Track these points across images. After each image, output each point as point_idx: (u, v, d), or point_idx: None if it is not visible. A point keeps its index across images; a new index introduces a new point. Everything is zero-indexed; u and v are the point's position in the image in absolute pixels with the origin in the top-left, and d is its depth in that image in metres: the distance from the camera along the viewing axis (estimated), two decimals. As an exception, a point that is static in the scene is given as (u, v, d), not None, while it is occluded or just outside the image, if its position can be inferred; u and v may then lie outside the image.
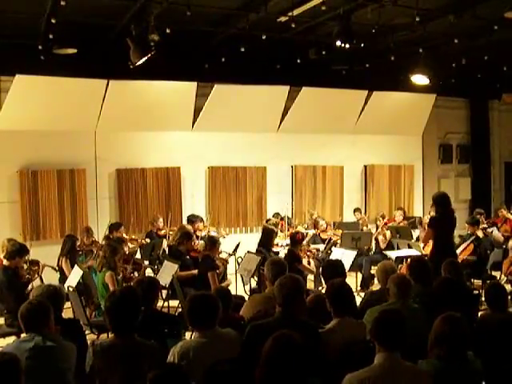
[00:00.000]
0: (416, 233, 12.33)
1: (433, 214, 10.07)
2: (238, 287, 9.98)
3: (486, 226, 11.35)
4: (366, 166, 15.05)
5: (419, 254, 9.57)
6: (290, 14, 9.24)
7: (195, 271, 9.02)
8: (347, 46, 8.95)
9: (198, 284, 8.39)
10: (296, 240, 9.60)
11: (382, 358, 3.89)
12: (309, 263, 10.41)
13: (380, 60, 11.46)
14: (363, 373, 3.83)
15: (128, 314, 4.40)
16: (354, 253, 9.76)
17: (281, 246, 11.18)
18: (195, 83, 12.09)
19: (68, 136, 11.81)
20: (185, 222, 12.11)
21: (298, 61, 11.52)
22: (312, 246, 11.60)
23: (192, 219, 11.82)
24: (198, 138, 12.99)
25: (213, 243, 8.94)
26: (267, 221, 12.42)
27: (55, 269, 9.54)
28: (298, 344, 3.71)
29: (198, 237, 11.15)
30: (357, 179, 15.05)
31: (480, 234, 10.34)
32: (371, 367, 3.88)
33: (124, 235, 10.85)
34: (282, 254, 10.43)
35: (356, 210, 13.84)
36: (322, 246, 11.60)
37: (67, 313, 6.09)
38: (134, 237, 11.39)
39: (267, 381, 3.65)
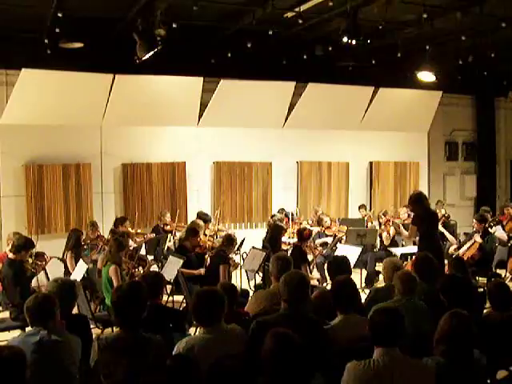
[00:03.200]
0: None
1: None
2: (242, 283, 9.99)
3: (486, 225, 11.23)
4: (371, 163, 15.04)
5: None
6: (296, 9, 9.25)
7: (197, 271, 9.00)
8: (354, 42, 8.95)
9: (210, 277, 8.36)
10: (304, 236, 9.61)
11: (379, 354, 3.90)
12: (314, 260, 10.43)
13: (386, 56, 11.44)
14: (364, 364, 3.85)
15: (134, 309, 4.41)
16: (359, 249, 9.76)
17: (288, 244, 11.16)
18: (201, 78, 12.10)
19: (74, 130, 11.84)
20: (190, 217, 12.10)
21: (305, 57, 11.52)
22: (318, 241, 11.60)
23: (206, 219, 11.70)
24: (204, 133, 13.00)
25: (231, 242, 8.99)
26: (272, 216, 12.40)
27: (59, 258, 9.54)
28: (297, 343, 3.73)
29: (205, 235, 11.11)
30: (362, 176, 15.04)
31: (478, 239, 10.24)
32: (372, 359, 3.89)
33: (130, 229, 10.88)
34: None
35: (361, 206, 13.81)
36: (329, 239, 11.58)
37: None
38: (140, 231, 11.41)
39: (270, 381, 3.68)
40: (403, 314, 4.10)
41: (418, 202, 8.97)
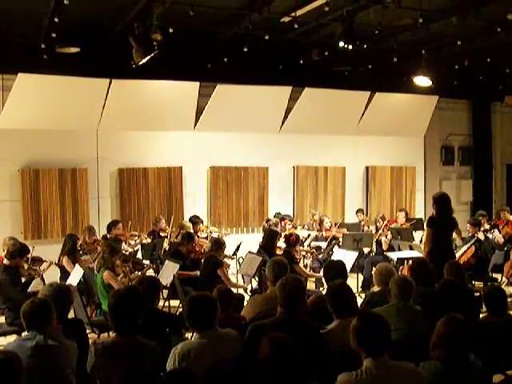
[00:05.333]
0: (417, 234, 12.31)
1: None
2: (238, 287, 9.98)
3: (487, 227, 11.33)
4: (367, 167, 15.05)
5: (421, 255, 9.54)
6: (293, 14, 9.26)
7: (195, 272, 9.04)
8: (350, 46, 8.96)
9: (204, 283, 8.37)
10: (290, 242, 9.65)
11: (369, 363, 3.89)
12: (305, 266, 10.45)
13: (383, 61, 11.45)
14: (356, 375, 3.84)
15: (130, 314, 4.41)
16: (356, 254, 9.77)
17: (283, 249, 11.15)
18: (198, 83, 12.10)
19: (70, 135, 11.83)
20: (185, 220, 12.10)
21: (301, 61, 11.52)
22: (313, 244, 11.60)
23: (195, 220, 11.81)
24: (200, 137, 12.99)
25: (219, 245, 9.01)
26: (267, 221, 12.39)
27: (56, 263, 9.53)
28: (294, 348, 3.72)
29: (198, 237, 11.15)
30: (358, 180, 15.04)
31: (481, 236, 10.34)
32: (363, 369, 3.87)
33: (123, 232, 10.91)
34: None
35: (359, 210, 13.80)
36: (323, 244, 11.57)
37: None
38: (134, 232, 11.41)
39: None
40: (386, 320, 4.09)
41: (435, 203, 8.88)
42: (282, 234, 11.66)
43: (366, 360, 3.91)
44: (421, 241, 11.44)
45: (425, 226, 11.23)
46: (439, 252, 8.20)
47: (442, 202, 8.75)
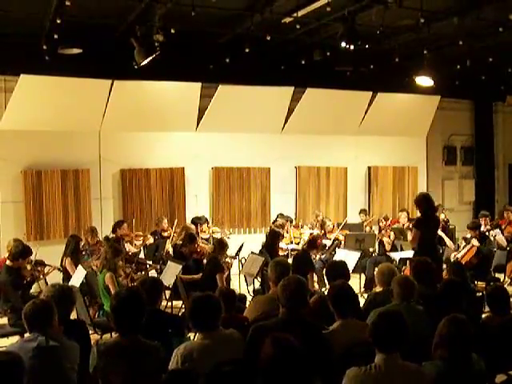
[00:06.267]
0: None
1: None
2: (241, 288, 9.99)
3: (489, 228, 11.29)
4: (369, 168, 15.04)
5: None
6: (294, 15, 9.26)
7: (197, 276, 9.04)
8: (352, 47, 8.94)
9: (205, 284, 8.38)
10: (316, 245, 9.64)
11: (380, 359, 3.91)
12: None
13: (384, 61, 11.45)
14: (365, 370, 3.86)
15: (133, 314, 4.40)
16: (358, 254, 9.75)
17: (286, 250, 11.15)
18: (199, 84, 12.10)
19: (72, 136, 11.84)
20: (188, 222, 12.12)
21: (303, 62, 11.51)
22: None
23: (196, 221, 11.82)
24: (202, 138, 13.00)
25: (222, 246, 9.03)
26: (274, 222, 12.40)
27: (59, 269, 9.54)
28: (297, 348, 3.72)
29: (201, 238, 11.16)
30: (361, 180, 15.04)
31: (475, 242, 10.29)
32: (372, 365, 3.90)
33: (128, 232, 10.92)
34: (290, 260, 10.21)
35: (362, 211, 13.81)
36: (328, 242, 11.57)
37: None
38: (139, 233, 11.43)
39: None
40: (405, 319, 4.10)
41: (417, 204, 8.94)
42: (287, 235, 11.72)
43: (377, 355, 3.95)
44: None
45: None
46: (426, 252, 8.22)
47: (423, 203, 8.85)
